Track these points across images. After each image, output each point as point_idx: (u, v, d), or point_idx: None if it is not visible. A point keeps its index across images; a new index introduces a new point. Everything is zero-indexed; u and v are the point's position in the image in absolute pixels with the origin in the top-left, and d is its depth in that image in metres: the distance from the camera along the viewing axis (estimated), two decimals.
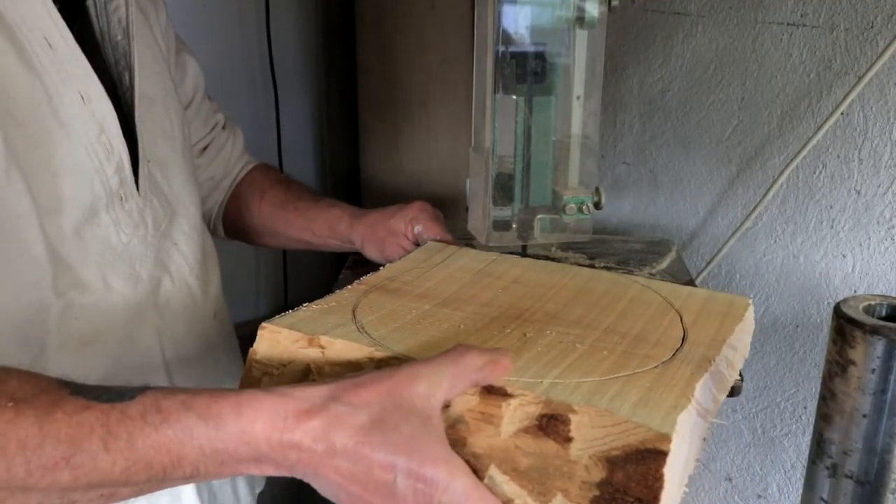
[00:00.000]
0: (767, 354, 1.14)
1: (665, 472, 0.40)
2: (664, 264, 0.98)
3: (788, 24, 1.03)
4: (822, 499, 0.56)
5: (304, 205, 0.90)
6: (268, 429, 0.41)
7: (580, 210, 0.79)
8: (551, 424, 0.43)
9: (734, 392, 0.77)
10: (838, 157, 1.01)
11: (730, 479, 1.22)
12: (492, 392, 0.45)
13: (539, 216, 0.82)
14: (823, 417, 0.56)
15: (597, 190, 0.80)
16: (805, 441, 1.12)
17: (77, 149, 0.60)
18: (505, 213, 0.82)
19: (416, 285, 0.62)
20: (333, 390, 0.43)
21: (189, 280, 0.72)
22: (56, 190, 0.58)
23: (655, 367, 0.49)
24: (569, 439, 0.43)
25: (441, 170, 1.28)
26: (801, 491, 0.60)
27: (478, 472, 0.44)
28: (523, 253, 0.83)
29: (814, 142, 1.00)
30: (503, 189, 0.81)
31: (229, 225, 0.95)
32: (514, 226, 0.83)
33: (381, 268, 0.67)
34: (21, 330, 0.57)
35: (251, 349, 0.53)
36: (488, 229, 0.81)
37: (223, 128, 0.92)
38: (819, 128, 1.00)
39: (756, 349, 1.15)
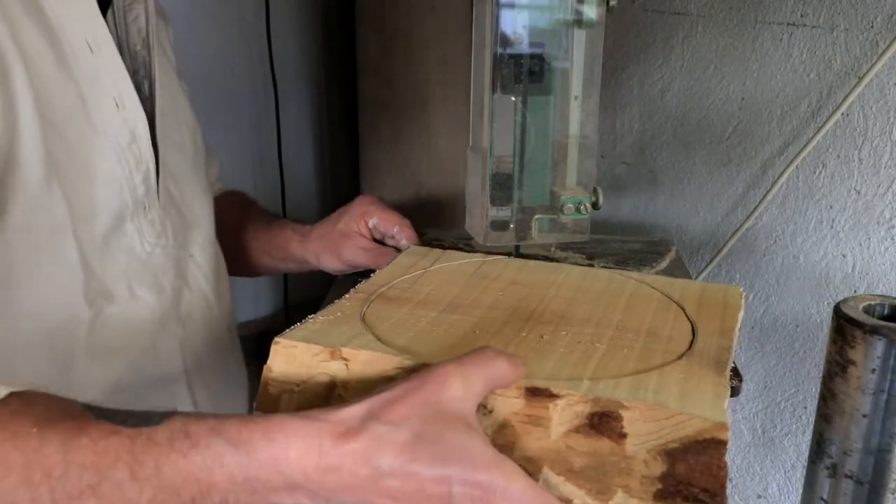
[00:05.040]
0: (767, 354, 1.13)
1: (727, 460, 0.40)
2: (664, 264, 0.98)
3: (788, 24, 1.03)
4: (822, 499, 0.56)
5: (255, 228, 0.87)
6: (302, 456, 0.39)
7: (578, 210, 0.79)
8: (604, 422, 0.43)
9: (734, 392, 0.77)
10: (838, 157, 1.01)
11: (730, 479, 1.22)
12: (536, 394, 0.44)
13: (537, 216, 0.82)
14: (823, 417, 0.56)
15: (595, 190, 0.80)
16: (805, 441, 1.12)
17: (110, 155, 0.59)
18: (503, 213, 0.81)
19: (415, 291, 0.62)
20: (369, 409, 0.41)
21: (206, 291, 0.72)
22: (91, 197, 0.58)
23: (680, 358, 0.49)
24: (623, 435, 0.42)
25: (441, 170, 1.28)
26: (801, 491, 0.60)
27: (531, 476, 0.44)
28: (516, 253, 0.83)
29: (814, 142, 1.00)
30: (501, 189, 0.81)
31: None
32: (511, 226, 0.83)
33: (372, 275, 0.66)
34: (51, 338, 0.57)
35: (266, 366, 0.51)
36: (486, 229, 0.81)
37: None
38: (819, 128, 1.00)
39: (756, 349, 1.15)
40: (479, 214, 0.82)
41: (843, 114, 0.98)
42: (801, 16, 1.01)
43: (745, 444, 1.19)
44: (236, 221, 0.87)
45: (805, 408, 1.12)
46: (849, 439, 0.54)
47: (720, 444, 0.41)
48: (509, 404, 0.45)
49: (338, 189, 1.53)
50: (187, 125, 0.74)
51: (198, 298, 0.71)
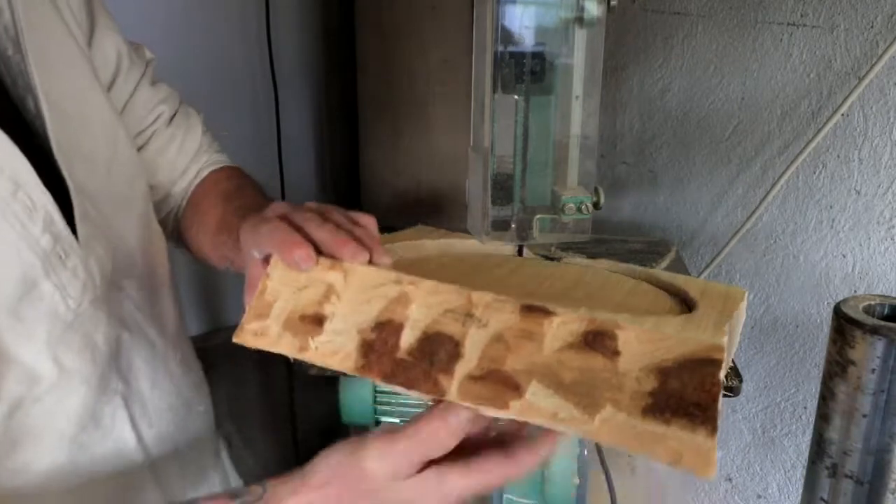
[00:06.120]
0: (767, 354, 1.13)
1: (721, 377, 0.40)
2: (664, 264, 0.98)
3: (788, 24, 1.03)
4: (822, 499, 0.56)
5: (218, 239, 0.68)
6: None
7: (579, 210, 0.79)
8: (598, 339, 0.43)
9: (734, 392, 0.77)
10: (838, 157, 1.01)
11: (730, 479, 1.22)
12: (532, 311, 0.44)
13: (538, 216, 0.82)
14: (823, 417, 0.56)
15: (596, 190, 0.80)
16: (805, 441, 1.12)
17: None
18: (503, 212, 0.81)
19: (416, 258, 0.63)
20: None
21: (145, 328, 0.62)
22: None
23: (679, 314, 0.49)
24: (616, 353, 0.42)
25: (441, 170, 1.28)
26: (801, 491, 0.60)
27: (518, 388, 0.44)
28: (519, 253, 0.83)
29: (814, 142, 1.00)
30: (502, 189, 0.81)
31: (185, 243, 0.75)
32: (512, 225, 0.83)
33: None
34: None
35: (265, 273, 0.51)
36: (487, 229, 0.81)
37: (168, 123, 0.73)
38: (819, 128, 1.00)
39: (756, 349, 1.15)
40: (480, 214, 0.82)
41: (843, 114, 0.98)
42: (801, 16, 1.01)
43: (745, 444, 1.19)
44: (214, 228, 0.71)
45: (805, 408, 1.12)
46: (849, 439, 0.54)
47: (715, 363, 0.40)
48: (503, 319, 0.45)
49: (338, 188, 1.53)
50: (100, 122, 0.61)
51: (138, 340, 0.61)
